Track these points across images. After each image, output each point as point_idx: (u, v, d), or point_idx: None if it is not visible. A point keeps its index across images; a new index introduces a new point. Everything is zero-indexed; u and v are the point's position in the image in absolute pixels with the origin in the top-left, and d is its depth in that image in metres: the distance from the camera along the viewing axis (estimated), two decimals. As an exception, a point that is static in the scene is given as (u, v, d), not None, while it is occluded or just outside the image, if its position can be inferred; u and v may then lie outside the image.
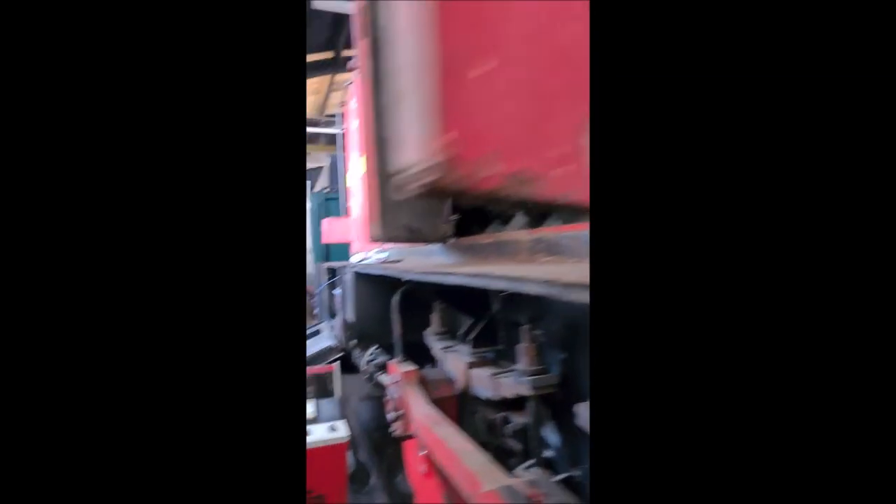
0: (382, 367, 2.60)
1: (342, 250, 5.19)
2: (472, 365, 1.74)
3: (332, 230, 4.03)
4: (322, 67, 13.07)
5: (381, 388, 2.64)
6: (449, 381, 1.67)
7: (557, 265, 1.09)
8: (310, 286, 6.94)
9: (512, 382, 1.45)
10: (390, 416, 1.69)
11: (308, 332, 3.73)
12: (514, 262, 1.21)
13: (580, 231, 1.13)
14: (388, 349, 2.56)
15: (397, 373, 1.67)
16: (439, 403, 1.60)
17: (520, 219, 2.07)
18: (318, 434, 2.22)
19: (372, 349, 2.68)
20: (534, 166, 0.92)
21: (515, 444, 1.55)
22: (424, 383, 1.64)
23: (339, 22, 11.36)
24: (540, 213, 1.95)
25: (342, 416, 2.40)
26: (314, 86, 14.81)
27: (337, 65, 12.80)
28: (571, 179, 0.96)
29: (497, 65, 0.87)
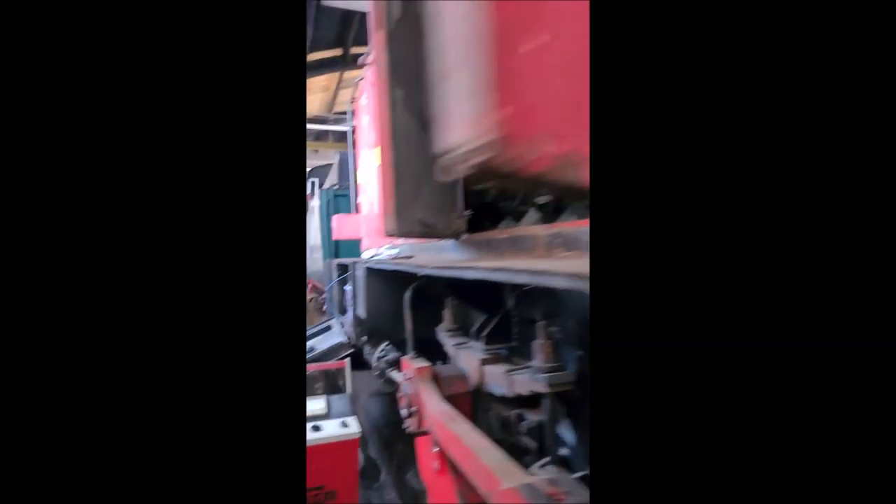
0: (394, 364, 2.60)
1: (351, 247, 5.20)
2: (485, 361, 1.73)
3: (342, 226, 4.03)
4: (331, 65, 13.08)
5: (392, 384, 2.64)
6: (463, 378, 1.66)
7: (576, 260, 1.06)
8: (319, 283, 6.96)
9: (527, 379, 1.43)
10: (403, 412, 1.68)
11: (318, 328, 3.74)
12: (532, 258, 1.19)
13: (599, 225, 1.11)
14: (399, 345, 2.55)
15: (410, 369, 1.66)
16: (453, 400, 1.59)
17: (532, 215, 2.05)
18: (329, 430, 2.22)
19: (383, 345, 2.68)
20: (583, 148, 0.86)
21: (530, 442, 1.53)
22: (438, 380, 1.63)
23: (347, 19, 11.36)
24: (554, 209, 1.93)
25: (353, 412, 2.40)
26: (323, 83, 14.83)
27: (346, 62, 12.80)
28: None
29: (548, 40, 0.83)
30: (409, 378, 1.65)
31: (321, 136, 17.56)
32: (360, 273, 2.58)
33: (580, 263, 1.00)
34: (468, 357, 1.81)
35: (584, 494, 0.94)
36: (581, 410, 1.44)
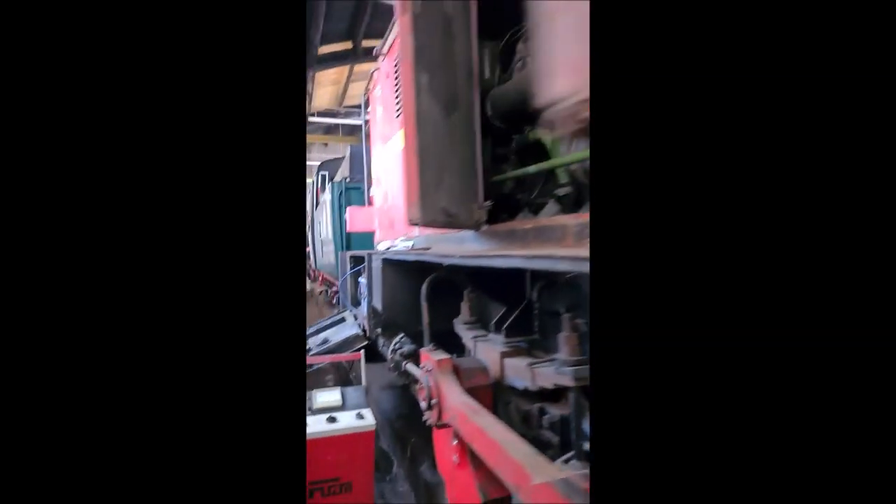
0: (409, 356, 2.58)
1: (362, 240, 5.19)
2: (505, 354, 1.70)
3: (355, 219, 4.02)
4: (341, 58, 13.05)
5: (407, 376, 2.62)
6: (484, 370, 1.63)
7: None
8: (329, 276, 6.97)
9: (551, 373, 1.40)
10: (423, 404, 1.66)
11: (331, 320, 3.74)
12: (561, 247, 1.15)
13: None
14: (415, 338, 2.53)
15: (430, 361, 1.64)
16: (473, 393, 1.56)
17: (552, 206, 2.01)
18: (345, 421, 2.21)
19: (398, 338, 2.66)
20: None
21: (552, 436, 1.51)
22: (458, 372, 1.61)
23: (358, 12, 11.31)
24: (574, 201, 1.89)
25: (368, 404, 2.39)
26: (332, 76, 14.82)
27: (356, 55, 12.77)
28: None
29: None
30: (429, 370, 1.62)
31: (331, 129, 17.58)
32: (376, 264, 2.56)
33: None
34: (488, 350, 1.79)
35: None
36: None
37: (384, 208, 3.38)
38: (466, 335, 2.03)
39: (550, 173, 1.97)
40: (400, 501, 2.79)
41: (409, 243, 2.62)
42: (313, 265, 9.50)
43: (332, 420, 2.20)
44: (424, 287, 2.16)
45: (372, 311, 2.70)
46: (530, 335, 1.78)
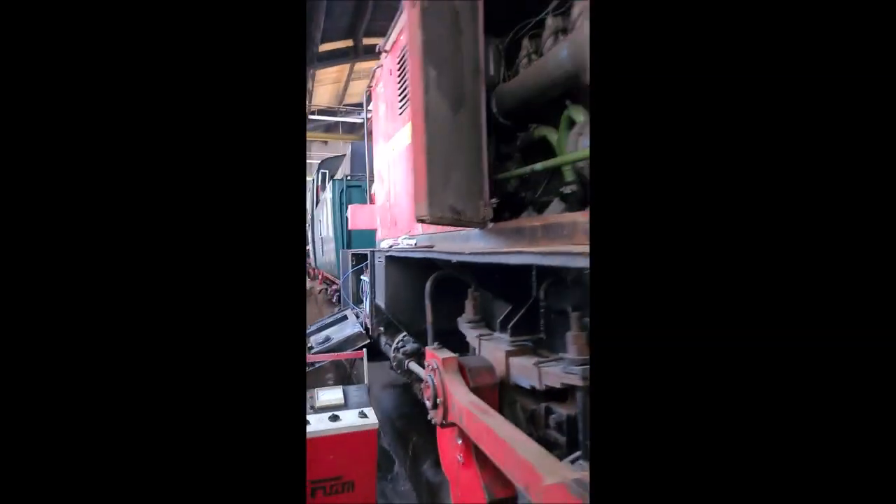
0: (412, 355, 2.57)
1: (363, 238, 5.17)
2: (511, 353, 1.69)
3: (357, 217, 4.00)
4: (342, 56, 13.02)
5: (410, 375, 2.61)
6: (490, 369, 1.62)
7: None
8: (330, 274, 6.95)
9: (559, 372, 1.39)
10: (427, 403, 1.64)
11: (333, 318, 3.72)
12: (574, 244, 1.14)
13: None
14: (418, 336, 2.52)
15: (436, 359, 1.62)
16: (478, 392, 1.55)
17: (557, 205, 2.00)
18: (348, 420, 2.19)
19: (400, 336, 2.65)
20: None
21: (559, 436, 1.49)
22: (464, 371, 1.59)
23: (359, 9, 11.27)
24: (580, 199, 1.87)
25: (371, 402, 2.37)
26: (333, 75, 14.78)
27: (357, 53, 12.74)
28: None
29: None
30: (435, 369, 1.61)
31: (331, 127, 17.54)
32: (379, 262, 2.55)
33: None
34: (493, 348, 1.77)
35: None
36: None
37: (386, 206, 3.36)
38: (471, 334, 2.02)
39: (556, 171, 1.95)
40: (401, 501, 2.78)
41: (412, 241, 2.60)
42: (313, 264, 9.48)
43: (334, 419, 2.19)
44: (428, 285, 2.14)
45: (374, 308, 2.69)
46: (536, 334, 1.76)
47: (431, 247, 2.17)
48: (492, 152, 1.96)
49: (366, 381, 2.62)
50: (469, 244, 1.84)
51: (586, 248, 0.95)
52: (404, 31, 2.77)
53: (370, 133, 4.02)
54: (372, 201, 4.31)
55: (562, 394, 1.55)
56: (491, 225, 1.74)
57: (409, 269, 2.41)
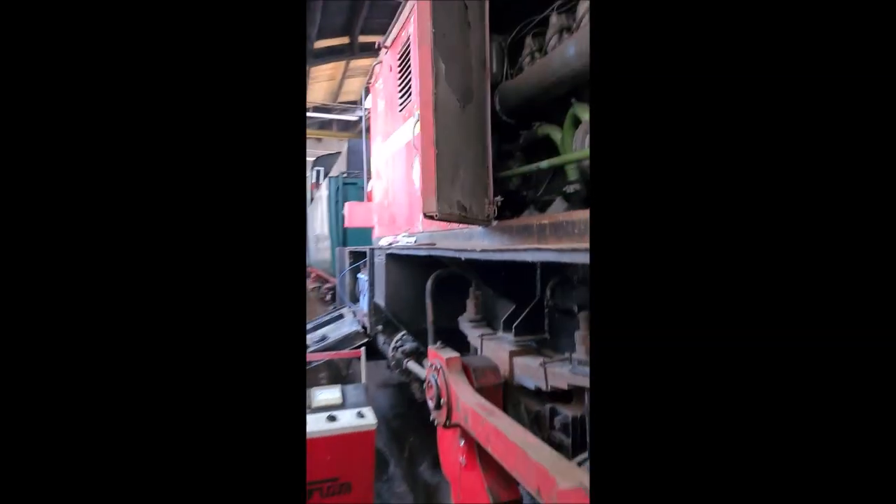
0: (410, 354, 2.54)
1: (358, 235, 5.12)
2: (514, 353, 1.66)
3: (354, 214, 3.96)
4: (337, 53, 12.93)
5: (408, 374, 2.58)
6: (494, 370, 1.59)
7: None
8: (323, 272, 6.89)
9: (566, 373, 1.37)
10: (431, 403, 1.61)
11: (330, 316, 3.68)
12: (583, 243, 1.12)
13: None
14: (418, 335, 2.49)
15: (440, 359, 1.60)
16: (482, 392, 1.52)
17: (559, 203, 1.98)
18: (345, 420, 2.15)
19: (399, 335, 2.61)
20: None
21: (564, 438, 1.47)
22: (467, 371, 1.57)
23: (355, 7, 11.20)
24: (583, 199, 1.86)
25: (369, 402, 2.34)
26: (328, 72, 14.67)
27: (353, 51, 12.65)
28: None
29: None
30: (438, 369, 1.58)
31: (325, 125, 17.43)
32: (379, 260, 2.51)
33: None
34: (496, 348, 1.75)
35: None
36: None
37: (384, 203, 3.33)
38: (472, 333, 2.00)
39: (558, 170, 1.93)
40: (398, 502, 2.75)
41: (412, 239, 2.57)
42: (306, 261, 9.40)
43: (332, 419, 2.15)
44: (429, 283, 2.11)
45: (373, 307, 2.65)
46: (539, 334, 1.74)
47: (433, 244, 2.14)
48: (495, 150, 1.94)
49: (363, 380, 2.59)
50: (472, 242, 1.81)
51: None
52: (406, 27, 2.74)
53: (368, 130, 3.98)
54: (369, 199, 4.27)
55: (566, 395, 1.53)
56: (495, 223, 1.72)
57: (409, 266, 2.38)
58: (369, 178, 4.06)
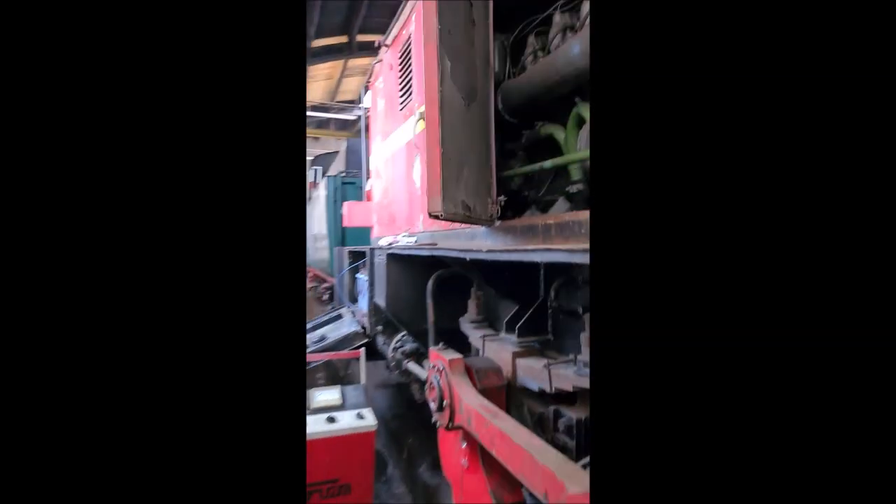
0: (411, 355, 2.52)
1: (356, 235, 5.10)
2: (517, 354, 1.65)
3: (352, 214, 3.93)
4: (335, 52, 12.88)
5: (408, 375, 2.56)
6: (497, 371, 1.58)
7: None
8: (321, 272, 6.85)
9: (571, 374, 1.35)
10: (433, 405, 1.60)
11: (328, 316, 3.65)
12: (588, 243, 1.10)
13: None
14: (418, 336, 2.47)
15: (442, 360, 1.58)
16: (485, 394, 1.51)
17: (562, 203, 1.97)
18: (345, 421, 2.13)
19: (399, 335, 2.59)
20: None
21: (568, 440, 1.46)
22: (471, 372, 1.55)
23: (353, 6, 11.16)
24: (586, 199, 1.84)
25: (368, 403, 2.32)
26: (326, 71, 14.62)
27: (351, 50, 12.61)
28: None
29: None
30: (441, 370, 1.56)
31: (322, 124, 17.38)
32: (380, 260, 2.49)
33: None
34: (498, 349, 1.74)
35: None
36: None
37: (383, 203, 3.30)
38: (474, 334, 1.98)
39: (561, 170, 1.92)
40: (397, 503, 2.73)
41: (412, 239, 2.55)
42: (303, 261, 9.28)
43: (331, 420, 2.13)
44: (431, 283, 2.10)
45: (374, 307, 2.63)
46: (542, 335, 1.73)
47: (435, 244, 2.12)
48: (497, 149, 1.93)
49: (363, 381, 2.57)
50: (475, 242, 1.80)
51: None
52: (407, 26, 2.72)
53: (367, 129, 3.96)
54: (368, 198, 4.25)
55: (570, 397, 1.52)
56: (498, 223, 1.70)
57: (410, 266, 2.36)
58: (368, 177, 4.04)
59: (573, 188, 1.88)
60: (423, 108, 2.38)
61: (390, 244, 2.53)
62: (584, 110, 1.76)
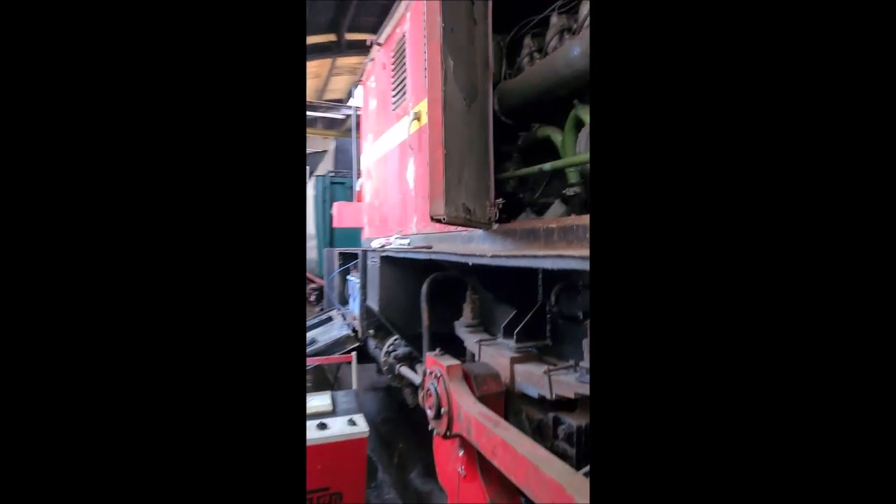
0: (403, 359, 2.48)
1: (346, 235, 5.03)
2: (515, 360, 1.62)
3: (342, 215, 3.87)
4: (323, 50, 12.74)
5: (401, 380, 2.52)
6: (496, 377, 1.55)
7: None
8: (309, 273, 6.76)
9: (573, 381, 1.33)
10: (429, 413, 1.56)
11: (318, 319, 3.59)
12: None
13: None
14: (412, 340, 2.43)
15: (439, 366, 1.54)
16: (483, 401, 1.48)
17: (558, 206, 1.95)
18: (336, 428, 2.08)
19: (392, 339, 2.55)
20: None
21: (568, 448, 1.44)
22: (469, 379, 1.52)
23: (342, 4, 11.06)
24: (582, 202, 1.83)
25: (359, 408, 2.27)
26: (314, 69, 14.47)
27: (340, 48, 12.50)
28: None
29: None
30: (438, 376, 1.53)
31: (310, 122, 17.22)
32: (373, 262, 2.45)
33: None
34: (495, 354, 1.71)
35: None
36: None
37: (375, 204, 3.26)
38: (470, 339, 1.95)
39: (557, 172, 1.90)
40: (388, 510, 2.68)
41: (406, 241, 2.51)
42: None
43: (322, 427, 2.08)
44: (425, 287, 2.06)
45: (366, 310, 2.58)
46: (540, 340, 1.70)
47: (429, 247, 2.09)
48: (494, 151, 1.90)
49: (354, 386, 2.52)
50: (472, 245, 1.76)
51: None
52: (401, 24, 2.68)
53: (358, 128, 3.91)
54: (358, 199, 4.19)
55: (569, 403, 1.50)
56: (496, 226, 1.67)
57: (403, 269, 2.32)
58: (359, 177, 3.99)
59: (570, 191, 1.86)
60: (417, 108, 2.35)
61: (382, 246, 2.49)
62: (583, 113, 1.75)
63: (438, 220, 1.30)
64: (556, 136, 1.95)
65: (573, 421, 1.43)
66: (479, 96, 1.50)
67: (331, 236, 5.42)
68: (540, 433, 1.53)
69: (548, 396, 1.39)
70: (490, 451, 1.21)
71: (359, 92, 3.85)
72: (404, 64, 2.53)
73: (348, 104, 3.95)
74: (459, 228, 1.88)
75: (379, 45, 3.04)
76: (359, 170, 3.93)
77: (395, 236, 2.72)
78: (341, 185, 5.55)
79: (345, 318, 3.25)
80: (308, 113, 16.10)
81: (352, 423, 2.13)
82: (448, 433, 1.47)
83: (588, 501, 0.84)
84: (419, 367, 2.38)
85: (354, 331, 2.93)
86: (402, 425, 3.48)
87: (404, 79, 2.53)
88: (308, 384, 3.00)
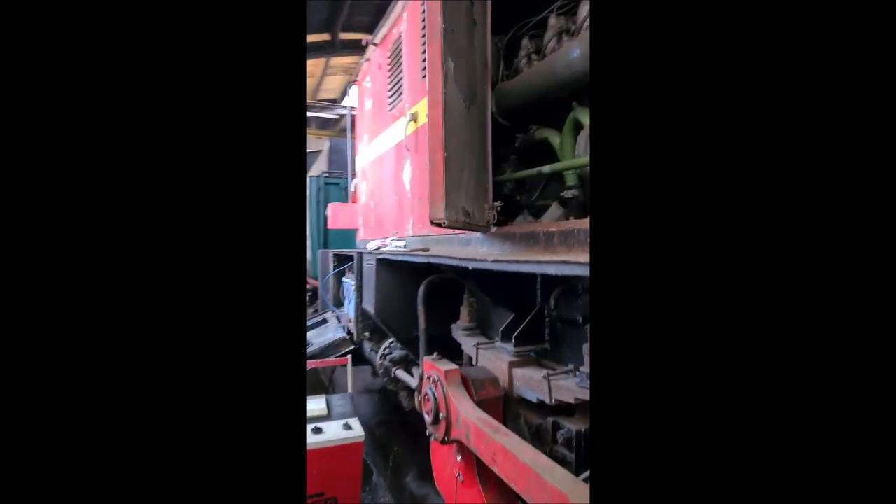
0: (399, 362, 2.46)
1: (340, 236, 5.00)
2: (514, 364, 1.61)
3: (337, 216, 3.84)
4: (317, 50, 12.67)
5: (396, 383, 2.49)
6: (494, 381, 1.53)
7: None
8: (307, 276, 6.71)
9: (573, 386, 1.32)
10: (427, 418, 1.54)
11: (312, 321, 3.55)
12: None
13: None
14: (408, 343, 2.41)
15: (437, 371, 1.52)
16: (482, 406, 1.46)
17: (555, 209, 1.94)
18: (332, 433, 2.06)
19: (387, 342, 2.53)
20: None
21: (567, 453, 1.42)
22: (467, 383, 1.50)
23: (337, 4, 11.01)
24: (580, 205, 1.82)
25: (355, 412, 2.24)
26: (308, 68, 14.39)
27: (334, 48, 12.43)
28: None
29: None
30: (437, 381, 1.51)
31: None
32: (369, 265, 2.42)
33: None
34: (493, 358, 1.69)
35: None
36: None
37: (370, 205, 3.23)
38: (467, 342, 1.93)
39: (555, 175, 1.89)
40: (383, 514, 2.66)
41: (402, 243, 2.49)
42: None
43: (317, 431, 2.05)
44: (422, 290, 2.04)
45: (361, 313, 2.56)
46: (539, 344, 1.69)
47: (427, 250, 2.07)
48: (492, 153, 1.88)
49: (349, 389, 2.49)
50: (470, 248, 1.75)
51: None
52: (397, 24, 2.66)
53: (353, 129, 3.88)
54: (353, 200, 4.16)
55: (569, 408, 1.49)
56: (494, 229, 1.66)
57: (400, 271, 2.30)
58: (354, 177, 3.96)
59: (568, 193, 1.85)
60: (414, 109, 2.33)
61: (378, 248, 2.46)
62: (582, 115, 1.74)
63: (438, 224, 1.29)
64: (555, 139, 1.93)
65: (572, 426, 1.42)
66: (478, 98, 1.48)
67: (325, 237, 5.38)
68: (539, 438, 1.51)
69: (547, 401, 1.38)
70: (490, 457, 1.19)
71: (354, 92, 3.82)
72: (401, 65, 2.51)
73: (343, 104, 3.92)
74: (457, 231, 1.86)
75: (375, 45, 3.02)
76: (354, 170, 3.90)
77: (392, 238, 2.69)
78: (336, 186, 5.51)
79: (340, 321, 3.22)
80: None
81: (347, 427, 2.11)
82: (446, 439, 1.45)
83: (592, 511, 0.82)
84: (415, 371, 2.36)
85: (349, 333, 2.90)
86: (397, 428, 3.46)
87: (401, 79, 2.51)
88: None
